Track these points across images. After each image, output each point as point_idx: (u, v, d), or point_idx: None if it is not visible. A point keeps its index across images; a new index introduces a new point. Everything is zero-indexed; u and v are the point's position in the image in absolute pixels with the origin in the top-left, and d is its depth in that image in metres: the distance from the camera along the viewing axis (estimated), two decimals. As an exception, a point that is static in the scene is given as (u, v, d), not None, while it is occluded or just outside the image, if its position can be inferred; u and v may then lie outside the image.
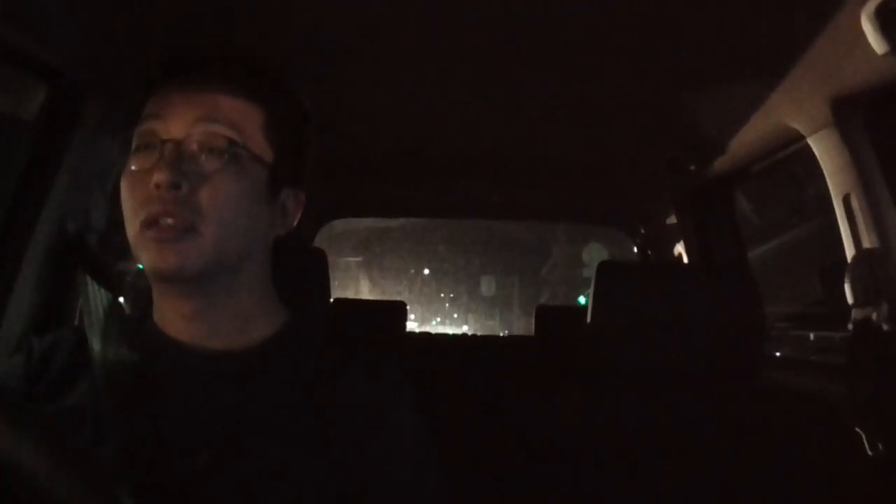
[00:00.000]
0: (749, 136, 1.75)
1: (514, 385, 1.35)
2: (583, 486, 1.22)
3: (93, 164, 1.32)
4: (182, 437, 0.77)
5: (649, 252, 2.92)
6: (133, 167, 0.82)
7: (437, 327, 12.53)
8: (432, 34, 1.31)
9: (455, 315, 13.66)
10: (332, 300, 1.96)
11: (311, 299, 1.17)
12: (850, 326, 1.38)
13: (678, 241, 2.58)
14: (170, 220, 0.78)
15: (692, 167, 2.05)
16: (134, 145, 0.83)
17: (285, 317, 0.90)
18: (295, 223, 0.91)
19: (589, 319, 1.32)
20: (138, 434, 0.76)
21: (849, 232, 1.42)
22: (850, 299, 1.39)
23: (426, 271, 12.49)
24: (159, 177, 0.77)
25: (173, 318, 0.85)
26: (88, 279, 1.13)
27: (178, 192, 0.78)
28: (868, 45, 1.10)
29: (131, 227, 0.80)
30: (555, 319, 2.80)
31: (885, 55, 1.09)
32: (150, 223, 0.78)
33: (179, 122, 0.81)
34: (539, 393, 1.32)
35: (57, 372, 0.84)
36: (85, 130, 1.28)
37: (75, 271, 1.26)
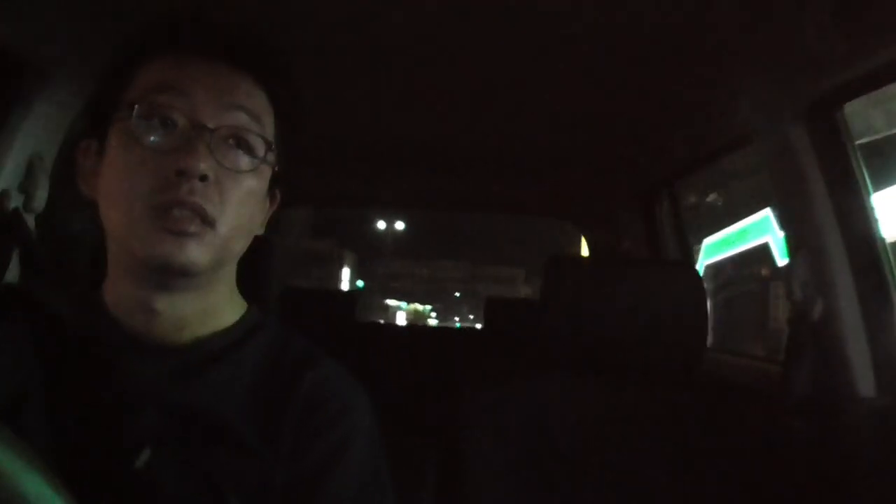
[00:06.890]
0: (697, 134, 1.78)
1: (463, 376, 1.36)
2: (531, 476, 1.23)
3: (35, 142, 1.27)
4: (126, 435, 0.73)
5: (599, 246, 2.96)
6: (144, 142, 0.72)
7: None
8: (398, 30, 1.30)
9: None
10: (282, 289, 1.93)
11: (260, 288, 1.15)
12: (789, 323, 1.43)
13: (627, 236, 2.62)
14: (186, 212, 0.71)
15: (641, 163, 2.09)
16: (140, 113, 0.73)
17: (243, 310, 0.86)
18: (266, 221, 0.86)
19: (538, 312, 1.33)
20: (79, 431, 0.73)
21: (791, 231, 1.46)
22: (788, 296, 1.43)
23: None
24: (188, 164, 0.70)
25: (135, 310, 0.78)
26: (22, 261, 1.08)
27: (203, 184, 0.71)
28: (819, 48, 1.12)
29: (131, 209, 0.72)
30: (503, 312, 2.82)
31: (833, 59, 1.12)
32: (161, 211, 0.71)
33: (206, 105, 0.73)
34: (487, 383, 1.33)
35: None
36: (27, 108, 1.23)
37: (10, 252, 1.20)
